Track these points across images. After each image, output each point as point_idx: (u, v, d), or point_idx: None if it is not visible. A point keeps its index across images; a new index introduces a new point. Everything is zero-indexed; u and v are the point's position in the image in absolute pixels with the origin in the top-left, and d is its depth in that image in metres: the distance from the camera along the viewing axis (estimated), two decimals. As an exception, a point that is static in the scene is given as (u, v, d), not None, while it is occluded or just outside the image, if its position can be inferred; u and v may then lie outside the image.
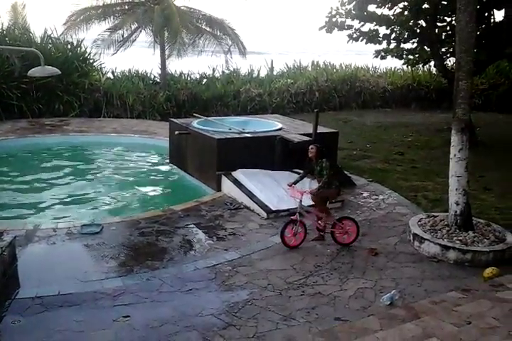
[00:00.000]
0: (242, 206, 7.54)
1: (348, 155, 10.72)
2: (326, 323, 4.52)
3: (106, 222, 6.67)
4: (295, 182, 6.26)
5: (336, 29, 13.23)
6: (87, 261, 5.67)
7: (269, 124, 9.62)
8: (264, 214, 7.12)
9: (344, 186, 8.38)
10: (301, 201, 6.08)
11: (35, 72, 4.87)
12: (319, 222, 6.30)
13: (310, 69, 19.98)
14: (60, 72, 5.01)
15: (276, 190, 7.74)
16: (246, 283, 5.24)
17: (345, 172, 8.96)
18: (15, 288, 4.97)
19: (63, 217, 7.34)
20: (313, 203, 6.40)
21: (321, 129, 8.84)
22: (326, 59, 21.12)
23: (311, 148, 6.21)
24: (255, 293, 5.02)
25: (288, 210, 7.18)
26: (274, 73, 19.26)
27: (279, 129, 9.16)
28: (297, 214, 6.10)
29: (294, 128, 9.36)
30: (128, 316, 4.54)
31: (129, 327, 4.43)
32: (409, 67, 17.60)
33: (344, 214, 7.23)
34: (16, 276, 5.21)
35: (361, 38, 13.42)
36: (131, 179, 9.58)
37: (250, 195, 7.56)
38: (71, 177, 9.48)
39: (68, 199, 8.24)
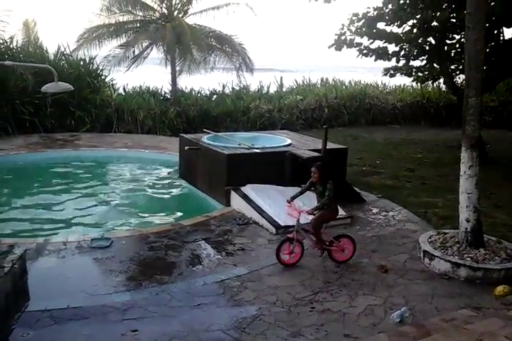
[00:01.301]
0: (251, 221, 7.54)
1: (358, 172, 10.72)
2: (335, 340, 4.47)
3: (115, 236, 6.70)
4: (293, 198, 6.14)
5: (345, 47, 13.40)
6: (97, 274, 5.69)
7: (279, 140, 9.68)
8: (273, 230, 7.11)
9: (353, 202, 8.45)
10: (298, 220, 5.95)
11: (48, 87, 4.97)
12: (316, 243, 6.11)
13: (319, 85, 20.16)
14: (72, 88, 5.12)
15: (285, 205, 7.72)
16: (254, 298, 5.22)
17: (355, 188, 8.94)
18: (25, 301, 4.98)
19: (73, 231, 7.39)
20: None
21: (330, 145, 8.88)
22: (336, 76, 21.33)
23: (314, 173, 5.97)
24: (264, 309, 4.99)
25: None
26: (284, 90, 19.45)
27: (289, 145, 9.21)
28: (294, 232, 5.95)
29: (304, 144, 9.40)
30: (136, 330, 4.53)
31: (137, 341, 4.43)
32: (419, 83, 17.69)
33: (353, 230, 7.22)
34: (26, 289, 5.21)
35: (370, 54, 13.57)
36: (141, 193, 9.63)
37: (259, 211, 7.57)
38: (81, 191, 9.55)
39: (78, 213, 8.28)
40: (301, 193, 6.24)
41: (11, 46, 14.75)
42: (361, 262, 6.22)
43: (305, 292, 5.37)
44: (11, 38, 14.78)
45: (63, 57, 15.53)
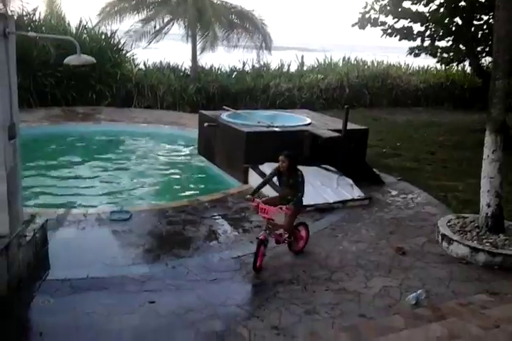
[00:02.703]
0: (268, 199, 7.54)
1: (378, 153, 10.59)
2: (350, 319, 4.50)
3: (134, 210, 6.78)
4: (255, 192, 5.44)
5: (369, 25, 13.07)
6: (116, 246, 5.77)
7: (298, 119, 9.58)
8: (291, 209, 7.10)
9: (372, 184, 8.38)
10: (273, 220, 5.23)
11: (71, 60, 4.92)
12: (281, 235, 5.58)
13: (341, 65, 19.81)
14: (95, 61, 5.04)
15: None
16: (270, 275, 5.25)
17: (374, 169, 8.86)
18: (45, 270, 5.10)
19: (93, 203, 7.50)
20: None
21: (350, 126, 8.75)
22: (358, 55, 20.92)
23: (282, 161, 5.26)
24: (279, 286, 5.02)
25: (314, 205, 7.17)
26: (305, 68, 19.17)
27: (308, 124, 9.11)
28: (264, 232, 5.27)
29: (324, 124, 9.29)
30: (154, 302, 4.61)
31: (155, 312, 4.50)
32: (443, 65, 17.25)
33: (371, 212, 7.19)
34: (47, 258, 5.34)
35: (395, 34, 13.24)
36: (159, 168, 9.70)
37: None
38: (101, 164, 9.66)
39: (98, 186, 8.40)
40: (263, 184, 5.55)
41: (34, 18, 14.75)
42: (378, 243, 6.19)
43: (321, 271, 5.39)
44: (34, 10, 14.78)
45: (85, 31, 15.50)
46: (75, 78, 14.11)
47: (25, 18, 14.35)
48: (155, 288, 4.86)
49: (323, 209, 7.14)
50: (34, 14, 14.77)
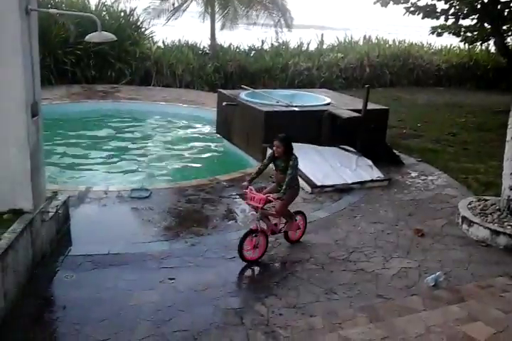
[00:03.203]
0: (286, 179, 7.52)
1: (398, 134, 10.46)
2: (368, 300, 4.51)
3: (154, 188, 6.84)
4: (251, 181, 5.16)
5: (391, 3, 12.74)
6: (136, 223, 5.86)
7: (318, 98, 9.47)
8: (309, 189, 7.09)
9: (392, 165, 8.30)
10: (262, 208, 5.03)
11: (92, 37, 4.90)
12: (276, 225, 5.31)
13: (361, 43, 19.42)
14: (116, 38, 5.02)
15: (322, 165, 7.67)
16: (288, 254, 5.29)
17: (394, 150, 8.75)
18: (67, 246, 5.21)
19: (113, 181, 7.59)
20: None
21: (370, 106, 8.62)
22: (379, 34, 20.46)
23: (277, 147, 5.01)
24: (297, 265, 5.06)
25: (333, 186, 7.15)
26: (324, 47, 18.83)
27: (328, 104, 9.00)
28: (257, 222, 5.01)
29: (343, 104, 9.17)
30: (173, 278, 4.69)
31: (174, 289, 4.58)
32: (467, 44, 16.80)
33: (390, 193, 7.14)
34: (69, 234, 5.45)
35: (418, 12, 12.89)
36: (178, 147, 9.74)
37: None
38: (121, 143, 9.75)
39: (118, 164, 8.49)
40: (260, 172, 5.27)
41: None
42: (397, 225, 6.16)
43: (339, 251, 5.40)
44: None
45: (104, 8, 15.40)
46: (95, 56, 14.12)
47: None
48: (174, 265, 4.93)
49: (341, 190, 7.11)
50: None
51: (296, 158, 5.07)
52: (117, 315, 4.05)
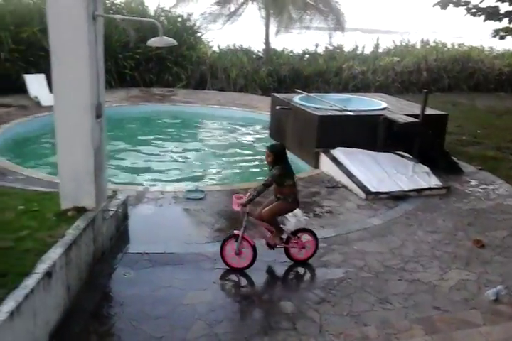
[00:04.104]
0: (339, 185, 7.45)
1: (456, 140, 10.10)
2: (424, 311, 4.38)
3: (208, 190, 6.95)
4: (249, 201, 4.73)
5: (451, 5, 12.35)
6: (190, 224, 5.98)
7: (373, 103, 9.31)
8: (363, 195, 6.98)
9: (451, 172, 8.02)
10: (248, 213, 4.85)
11: (154, 42, 5.03)
12: (270, 236, 5.02)
13: (419, 47, 18.94)
14: (176, 43, 5.13)
15: (376, 171, 7.53)
16: (342, 261, 5.22)
17: (453, 157, 8.46)
18: (126, 243, 5.39)
19: (169, 182, 7.80)
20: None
21: (428, 111, 8.38)
22: (437, 37, 19.89)
23: (267, 156, 4.81)
24: (351, 273, 4.98)
25: (388, 193, 7.00)
26: (380, 50, 18.51)
27: (383, 109, 8.82)
28: (242, 228, 4.83)
29: (400, 109, 8.97)
30: (226, 280, 4.74)
31: (227, 290, 4.65)
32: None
33: (448, 202, 6.90)
34: (127, 232, 5.64)
35: (479, 14, 12.42)
36: (231, 150, 9.86)
37: (349, 175, 7.43)
38: (177, 145, 10.00)
39: (174, 166, 8.72)
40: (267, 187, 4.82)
41: (115, 1, 15.28)
42: (455, 235, 5.95)
43: (394, 260, 5.27)
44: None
45: (162, 13, 15.85)
46: (153, 60, 14.56)
47: (106, 2, 14.89)
48: (224, 266, 4.97)
49: (397, 197, 6.95)
50: (115, -3, 15.31)
51: (279, 168, 4.73)
52: (172, 314, 4.15)
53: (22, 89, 12.05)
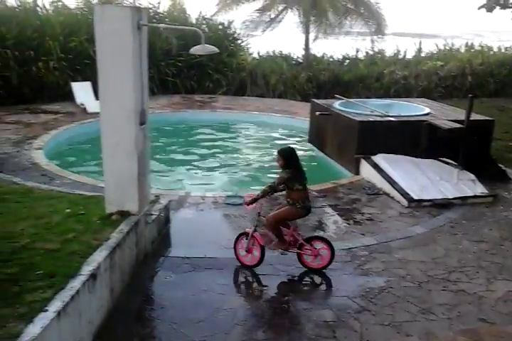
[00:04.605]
0: (381, 192, 7.33)
1: (504, 147, 9.76)
2: (469, 323, 4.23)
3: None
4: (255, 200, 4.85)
5: (497, 7, 11.99)
6: (230, 229, 6.00)
7: (416, 108, 9.13)
8: (405, 203, 6.83)
9: (497, 180, 7.75)
10: (259, 213, 4.95)
11: (196, 49, 5.12)
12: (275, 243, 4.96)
13: (463, 51, 18.45)
14: (218, 51, 5.21)
15: (419, 178, 7.37)
16: (383, 270, 5.12)
17: (499, 165, 8.17)
18: (167, 247, 5.48)
19: (210, 187, 7.93)
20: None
21: (474, 116, 8.12)
22: (483, 41, 19.32)
23: (278, 160, 4.87)
24: (392, 282, 4.88)
25: (431, 200, 6.83)
26: (423, 55, 18.15)
27: (427, 114, 8.63)
28: (253, 227, 4.96)
29: (444, 114, 8.74)
30: (266, 286, 4.75)
31: (266, 296, 4.64)
32: None
33: (495, 210, 6.67)
34: (169, 236, 5.74)
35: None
36: (270, 156, 9.87)
37: (391, 181, 7.30)
38: (217, 150, 10.15)
39: (214, 171, 8.84)
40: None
41: (158, 11, 15.68)
42: (502, 245, 5.73)
43: (438, 270, 5.13)
44: (159, 3, 15.72)
45: (204, 21, 16.13)
46: (194, 67, 14.83)
47: (150, 11, 15.30)
48: (266, 272, 4.97)
49: (441, 205, 6.77)
50: (158, 7, 15.71)
51: (287, 171, 4.75)
52: (212, 318, 4.17)
53: (69, 96, 12.53)
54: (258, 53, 17.08)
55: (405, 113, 8.74)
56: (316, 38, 15.97)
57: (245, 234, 5.02)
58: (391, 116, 8.45)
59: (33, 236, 4.40)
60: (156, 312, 4.28)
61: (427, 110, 8.83)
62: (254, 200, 4.84)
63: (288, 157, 4.83)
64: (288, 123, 12.19)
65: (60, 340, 3.31)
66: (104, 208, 4.91)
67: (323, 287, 4.85)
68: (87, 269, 3.84)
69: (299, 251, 4.96)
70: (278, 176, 4.82)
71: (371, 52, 17.38)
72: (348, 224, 6.30)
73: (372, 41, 17.29)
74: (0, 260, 3.89)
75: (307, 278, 4.96)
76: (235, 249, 5.07)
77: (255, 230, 4.97)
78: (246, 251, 4.98)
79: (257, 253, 4.95)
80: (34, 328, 3.06)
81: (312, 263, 4.99)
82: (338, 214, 6.62)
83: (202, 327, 4.04)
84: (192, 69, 14.86)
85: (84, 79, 12.50)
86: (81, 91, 12.38)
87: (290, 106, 13.72)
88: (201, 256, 5.20)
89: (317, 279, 4.96)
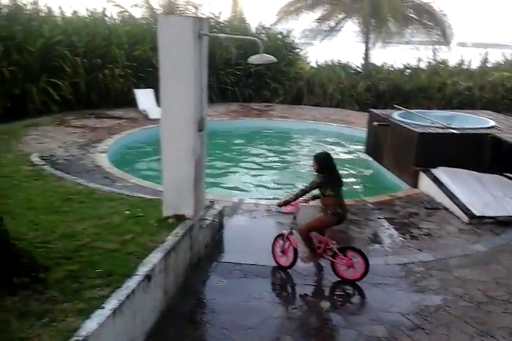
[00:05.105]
0: (440, 206, 7.07)
1: None
2: (533, 349, 3.99)
3: (301, 204, 6.93)
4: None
5: None
6: (282, 238, 6.00)
7: (479, 121, 8.78)
8: (466, 219, 6.55)
9: None
10: (294, 217, 5.10)
11: (254, 59, 5.18)
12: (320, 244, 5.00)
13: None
14: (276, 60, 5.24)
15: (481, 193, 7.06)
16: (439, 288, 4.92)
17: None
18: (220, 252, 5.55)
19: (263, 194, 7.98)
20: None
21: (544, 130, 7.73)
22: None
23: (313, 165, 4.96)
24: (449, 301, 4.68)
25: (494, 218, 6.52)
26: (489, 65, 17.45)
27: (491, 127, 8.28)
28: (289, 229, 5.12)
29: (510, 128, 8.35)
30: (316, 297, 4.70)
31: (316, 308, 4.58)
32: None
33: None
34: (222, 242, 5.81)
35: None
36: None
37: (451, 196, 7.04)
38: (272, 159, 10.23)
39: (268, 179, 8.90)
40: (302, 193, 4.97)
41: (219, 20, 16.06)
42: None
43: (499, 290, 4.87)
44: (220, 13, 16.11)
45: (263, 31, 16.34)
46: (253, 76, 15.03)
47: (211, 20, 15.69)
48: (314, 283, 4.92)
49: (505, 223, 6.44)
50: (219, 17, 16.09)
51: (321, 176, 4.81)
52: (262, 325, 4.17)
53: (132, 102, 13.05)
54: (316, 62, 17.08)
55: (468, 125, 8.44)
56: (376, 47, 15.76)
57: (282, 235, 5.15)
58: (453, 129, 8.16)
59: (94, 235, 4.60)
60: (208, 316, 4.33)
61: (491, 123, 8.48)
62: (286, 202, 4.98)
63: (322, 162, 4.90)
64: (344, 133, 12.08)
65: (115, 337, 3.42)
66: (162, 211, 5.05)
67: (376, 302, 4.71)
68: (142, 270, 3.95)
69: (332, 259, 4.95)
70: (311, 180, 4.89)
71: (433, 62, 16.91)
72: (405, 238, 6.12)
73: (435, 50, 16.83)
74: (63, 257, 4.09)
75: (360, 292, 4.85)
76: (272, 249, 5.21)
77: (291, 232, 5.09)
78: (281, 252, 5.13)
79: (291, 255, 5.06)
80: (91, 324, 3.18)
81: (345, 273, 4.95)
82: (394, 227, 6.45)
83: (251, 335, 4.04)
84: (250, 78, 15.08)
85: (147, 87, 12.99)
86: (143, 98, 12.86)
87: (346, 115, 13.59)
88: (253, 262, 5.23)
89: (370, 293, 4.84)
